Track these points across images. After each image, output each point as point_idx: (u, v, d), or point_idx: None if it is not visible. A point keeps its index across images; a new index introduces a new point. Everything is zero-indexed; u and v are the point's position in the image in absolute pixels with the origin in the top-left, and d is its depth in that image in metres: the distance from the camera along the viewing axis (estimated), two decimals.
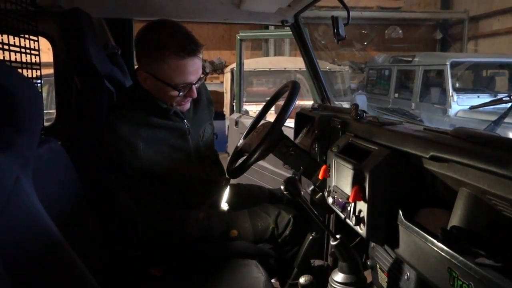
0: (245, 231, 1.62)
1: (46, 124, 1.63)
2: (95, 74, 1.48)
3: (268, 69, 6.65)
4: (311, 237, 1.60)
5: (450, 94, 5.85)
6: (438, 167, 0.95)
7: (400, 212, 1.05)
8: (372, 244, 1.46)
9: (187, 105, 1.48)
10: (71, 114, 1.54)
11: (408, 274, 1.21)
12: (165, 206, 1.45)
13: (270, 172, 2.71)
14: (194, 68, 1.36)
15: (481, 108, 5.56)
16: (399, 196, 1.09)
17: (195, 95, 1.42)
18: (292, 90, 1.55)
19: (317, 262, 1.80)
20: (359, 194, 1.13)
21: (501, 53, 8.84)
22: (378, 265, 1.42)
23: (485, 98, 5.85)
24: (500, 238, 0.84)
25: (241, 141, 1.83)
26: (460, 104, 5.77)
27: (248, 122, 3.11)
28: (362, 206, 1.14)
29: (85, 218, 1.25)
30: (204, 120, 1.62)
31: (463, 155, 0.85)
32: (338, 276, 1.29)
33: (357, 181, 1.17)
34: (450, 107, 5.81)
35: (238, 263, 1.40)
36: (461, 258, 0.82)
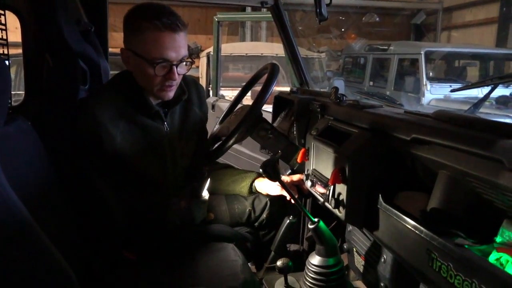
0: (221, 214, 1.61)
1: (14, 104, 1.56)
2: (68, 51, 1.41)
3: (244, 54, 6.60)
4: (288, 220, 1.60)
5: (424, 83, 5.94)
6: (419, 149, 0.94)
7: (380, 195, 1.05)
8: (349, 228, 1.47)
9: (171, 93, 1.40)
10: (41, 93, 1.47)
11: (385, 257, 1.22)
12: (144, 194, 1.41)
13: (247, 157, 2.70)
14: (173, 44, 1.30)
15: (453, 97, 5.72)
16: (379, 179, 1.09)
17: (175, 76, 1.34)
18: (271, 71, 1.53)
19: (293, 247, 1.80)
20: (338, 177, 1.12)
21: (473, 44, 9.02)
22: (354, 249, 1.43)
23: (460, 86, 5.97)
24: (478, 220, 0.85)
25: (217, 126, 1.80)
26: (433, 93, 5.87)
27: (224, 106, 3.08)
28: (342, 189, 1.14)
29: (56, 199, 1.21)
30: (191, 133, 1.55)
31: (445, 137, 0.85)
32: (315, 259, 1.29)
33: (337, 164, 1.16)
34: (424, 95, 5.91)
35: (215, 247, 1.39)
36: (440, 239, 0.82)
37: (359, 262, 1.41)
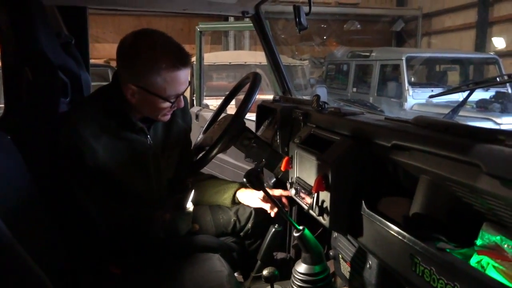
0: (206, 225, 1.60)
1: None
2: (48, 65, 1.40)
3: (228, 63, 6.61)
4: (273, 229, 1.60)
5: (406, 88, 6.03)
6: (400, 155, 0.96)
7: (363, 202, 1.06)
8: (335, 235, 1.48)
9: (169, 115, 1.42)
10: (21, 106, 1.45)
11: (370, 263, 1.23)
12: (127, 207, 1.39)
13: (231, 166, 2.69)
14: (186, 78, 1.33)
15: (435, 102, 5.80)
16: (362, 185, 1.10)
17: (182, 104, 1.38)
18: (253, 80, 1.54)
19: (279, 255, 1.80)
20: (322, 184, 1.13)
21: (453, 48, 9.20)
22: (340, 255, 1.44)
23: (438, 92, 6.07)
24: (459, 223, 0.86)
25: (201, 135, 1.80)
26: (416, 98, 5.96)
27: (208, 115, 3.07)
28: (325, 196, 1.14)
29: (38, 214, 1.19)
30: (174, 145, 1.55)
31: (424, 142, 0.86)
32: (301, 267, 1.29)
33: (320, 171, 1.17)
34: (406, 100, 5.99)
35: (200, 258, 1.38)
36: (422, 244, 0.83)
37: (345, 269, 1.41)
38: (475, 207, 0.81)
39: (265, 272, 1.28)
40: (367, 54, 7.16)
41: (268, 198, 1.28)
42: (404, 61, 6.11)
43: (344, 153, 1.10)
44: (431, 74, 7.16)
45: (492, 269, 0.73)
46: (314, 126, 1.41)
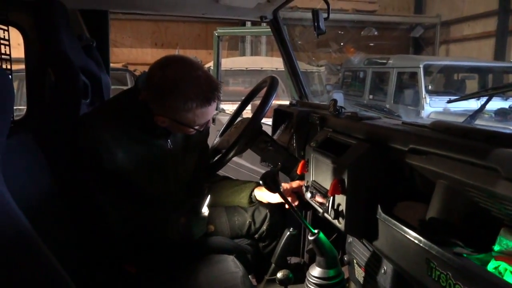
0: (221, 226, 1.61)
1: (16, 119, 1.57)
2: (70, 66, 1.43)
3: (244, 69, 6.63)
4: (288, 233, 1.60)
5: (423, 96, 5.97)
6: (417, 160, 0.95)
7: (379, 206, 1.06)
8: (349, 240, 1.47)
9: None
10: (43, 107, 1.49)
11: (385, 268, 1.22)
12: (144, 210, 1.41)
13: (247, 170, 2.70)
14: (213, 110, 1.37)
15: (452, 110, 5.74)
16: (378, 189, 1.09)
17: (210, 124, 1.44)
18: (270, 84, 1.55)
19: (293, 259, 1.80)
20: (338, 188, 1.13)
21: (471, 57, 9.09)
22: (355, 260, 1.43)
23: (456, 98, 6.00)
24: (476, 229, 0.85)
25: (218, 139, 1.82)
26: (433, 106, 5.89)
27: (225, 119, 3.09)
28: (341, 200, 1.14)
29: (57, 211, 1.21)
30: (193, 149, 1.57)
31: (441, 146, 0.86)
32: (316, 271, 1.29)
33: (336, 175, 1.17)
34: (423, 108, 5.93)
35: (215, 259, 1.39)
36: (439, 248, 0.82)
37: (360, 274, 1.41)
38: (493, 213, 0.81)
39: (279, 274, 1.28)
40: (384, 61, 7.11)
41: (284, 200, 1.28)
42: (421, 69, 6.04)
43: (360, 157, 1.10)
44: (449, 83, 7.08)
45: (510, 275, 0.72)
46: (331, 130, 1.41)
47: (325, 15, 1.62)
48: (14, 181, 0.96)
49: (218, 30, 3.30)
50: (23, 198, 0.96)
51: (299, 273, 1.59)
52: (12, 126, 1.31)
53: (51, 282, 0.89)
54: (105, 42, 1.89)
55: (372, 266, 1.30)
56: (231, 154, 1.51)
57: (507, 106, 5.26)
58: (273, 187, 1.27)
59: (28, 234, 0.86)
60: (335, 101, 1.42)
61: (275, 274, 1.60)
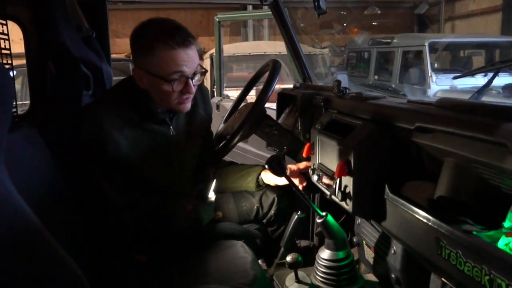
0: (229, 212, 1.61)
1: (20, 113, 1.57)
2: (70, 58, 1.42)
3: (247, 54, 6.58)
4: (296, 216, 1.60)
5: (429, 75, 5.90)
6: (423, 138, 0.94)
7: (386, 186, 1.05)
8: (358, 221, 1.47)
9: (188, 105, 1.41)
10: (46, 100, 1.48)
11: (394, 248, 1.21)
12: (150, 198, 1.41)
13: (253, 155, 2.70)
14: (187, 59, 1.31)
15: (460, 88, 5.67)
16: (385, 170, 1.08)
17: (192, 90, 1.36)
18: (273, 68, 1.54)
19: (303, 243, 1.80)
20: (344, 169, 1.12)
21: (478, 33, 8.95)
22: (364, 242, 1.43)
23: (463, 78, 5.93)
24: (485, 206, 0.84)
25: (222, 125, 1.81)
26: (439, 84, 5.83)
27: (229, 105, 3.08)
28: (348, 181, 1.14)
29: (64, 204, 1.21)
30: (196, 135, 1.56)
31: (448, 124, 0.84)
32: (325, 253, 1.29)
33: (342, 157, 1.16)
34: (429, 87, 5.87)
35: (224, 245, 1.39)
36: (448, 227, 0.81)
37: (369, 255, 1.40)
38: (502, 189, 0.80)
39: (288, 258, 1.28)
40: (389, 40, 7.03)
41: (290, 183, 1.28)
42: (427, 47, 5.97)
43: (366, 137, 1.09)
44: (455, 60, 6.98)
45: None
46: (336, 111, 1.39)
47: None
48: (20, 175, 0.96)
49: (219, 16, 3.27)
50: (30, 192, 0.97)
51: (309, 256, 1.60)
52: (16, 121, 1.32)
53: (61, 274, 0.90)
54: (104, 32, 1.87)
55: (382, 247, 1.30)
56: (236, 139, 1.50)
57: None
58: (279, 171, 1.26)
59: (35, 228, 0.86)
60: (339, 82, 1.41)
61: (285, 258, 1.61)
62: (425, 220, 0.88)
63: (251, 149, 2.78)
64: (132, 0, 1.98)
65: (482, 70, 2.12)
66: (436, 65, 6.31)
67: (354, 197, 1.11)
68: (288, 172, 1.37)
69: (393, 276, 1.23)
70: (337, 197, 1.18)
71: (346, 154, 1.13)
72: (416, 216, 0.92)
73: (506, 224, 0.76)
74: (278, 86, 1.55)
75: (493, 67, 1.76)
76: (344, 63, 8.68)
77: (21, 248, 0.83)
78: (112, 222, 1.37)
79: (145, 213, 1.39)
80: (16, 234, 0.83)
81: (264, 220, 1.67)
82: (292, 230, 1.61)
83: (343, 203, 1.17)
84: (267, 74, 1.59)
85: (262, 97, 1.48)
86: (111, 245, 1.37)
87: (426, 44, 5.99)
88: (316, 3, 1.58)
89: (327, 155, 1.30)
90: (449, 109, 0.89)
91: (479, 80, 5.88)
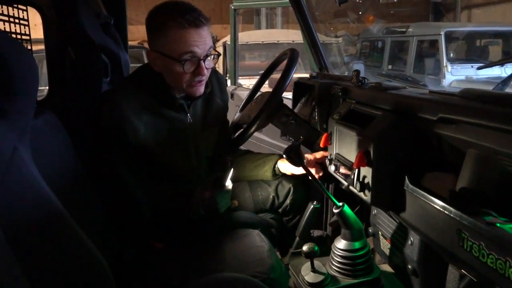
0: (245, 201, 1.62)
1: (38, 99, 1.58)
2: (90, 44, 1.42)
3: (260, 42, 6.54)
4: (312, 206, 1.60)
5: (444, 65, 5.82)
6: (446, 129, 0.93)
7: (406, 177, 1.04)
8: (374, 211, 1.46)
9: (201, 88, 1.40)
10: (65, 86, 1.49)
11: (412, 239, 1.21)
12: (168, 185, 1.42)
13: (267, 144, 2.70)
14: (198, 39, 1.30)
15: (475, 78, 5.59)
16: (404, 160, 1.08)
17: (204, 72, 1.35)
18: (291, 57, 1.52)
19: (316, 233, 1.80)
20: (363, 160, 1.11)
21: (495, 22, 8.78)
22: (380, 232, 1.43)
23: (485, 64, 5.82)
24: (509, 198, 0.83)
25: (238, 114, 1.80)
26: (454, 74, 5.75)
27: (243, 94, 3.07)
28: (367, 172, 1.13)
29: (85, 190, 1.23)
30: (213, 123, 1.56)
31: (474, 115, 0.83)
32: (341, 244, 1.29)
33: (361, 147, 1.15)
34: (444, 77, 5.79)
35: (240, 233, 1.39)
36: (470, 218, 0.81)
37: (385, 246, 1.40)
38: None
39: (305, 248, 1.28)
40: (404, 30, 6.93)
41: (308, 173, 1.27)
42: (442, 36, 5.88)
43: (386, 128, 1.08)
44: (471, 50, 6.86)
45: None
46: (354, 101, 1.38)
47: None
48: (43, 162, 0.97)
49: (234, 3, 3.24)
50: (52, 178, 0.97)
51: (323, 245, 1.60)
52: (36, 107, 1.33)
53: (84, 260, 0.91)
54: (122, 19, 1.87)
55: (398, 238, 1.30)
56: (253, 128, 1.50)
57: None
58: (296, 160, 1.26)
59: (59, 214, 0.88)
60: (357, 71, 1.40)
61: (300, 247, 1.61)
62: (446, 212, 0.88)
63: (265, 138, 2.78)
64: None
65: (507, 60, 2.06)
66: (451, 54, 6.22)
67: (373, 188, 1.11)
68: (305, 162, 1.36)
69: (409, 267, 1.23)
70: (355, 188, 1.18)
71: (365, 145, 1.13)
72: (437, 207, 0.91)
73: None
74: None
75: None
76: (358, 52, 8.59)
77: (44, 231, 0.85)
78: (130, 208, 1.38)
79: (162, 199, 1.40)
80: (39, 217, 0.84)
81: (280, 210, 1.67)
82: (307, 220, 1.61)
83: (361, 194, 1.17)
84: (283, 63, 1.58)
85: (280, 86, 1.47)
86: (129, 232, 1.39)
87: (442, 33, 5.90)
88: None
89: (345, 146, 1.29)
90: (473, 99, 0.88)
91: (495, 70, 5.80)
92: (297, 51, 1.57)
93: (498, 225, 0.77)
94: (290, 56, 1.53)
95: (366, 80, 1.39)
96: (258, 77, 1.86)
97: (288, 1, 2.00)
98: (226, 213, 1.46)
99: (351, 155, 1.24)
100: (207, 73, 1.37)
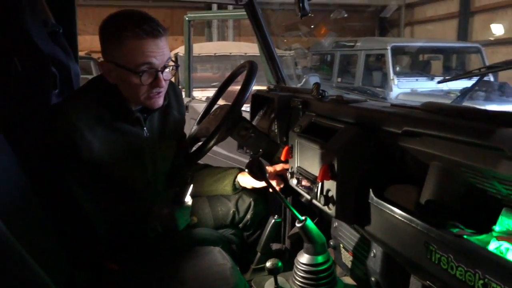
0: (205, 217, 1.57)
1: None
2: (38, 54, 1.33)
3: (213, 54, 6.53)
4: (273, 220, 1.58)
5: (391, 78, 6.06)
6: (410, 142, 0.94)
7: (371, 190, 1.04)
8: (335, 224, 1.46)
9: (159, 101, 1.34)
10: (10, 100, 1.39)
11: (374, 251, 1.21)
12: (124, 202, 1.35)
13: (224, 157, 2.66)
14: (156, 50, 1.25)
15: (419, 91, 5.86)
16: (368, 173, 1.08)
17: (162, 84, 1.29)
18: (250, 69, 1.51)
19: (275, 246, 1.78)
20: (327, 174, 1.11)
21: (435, 38, 9.29)
22: (341, 245, 1.43)
23: (423, 82, 6.15)
24: (473, 210, 0.85)
25: (195, 127, 1.77)
26: (401, 87, 5.99)
27: (198, 106, 3.03)
28: (331, 185, 1.12)
29: (34, 211, 1.14)
30: (170, 137, 1.51)
31: (438, 128, 0.84)
32: (304, 258, 1.27)
33: (324, 160, 1.14)
34: (391, 90, 6.02)
35: (201, 251, 1.34)
36: (438, 231, 0.81)
37: (347, 258, 1.40)
38: (489, 193, 0.80)
39: (268, 264, 1.26)
40: (352, 44, 7.17)
41: (270, 188, 1.25)
42: (389, 51, 6.13)
43: (350, 141, 1.08)
44: (414, 64, 7.20)
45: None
46: (314, 114, 1.38)
47: None
48: None
49: (189, 14, 3.20)
50: None
51: (282, 259, 1.58)
52: None
53: (27, 284, 0.84)
54: (72, 28, 1.78)
55: (361, 250, 1.30)
56: (212, 142, 1.46)
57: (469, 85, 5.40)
58: (259, 174, 1.24)
59: (3, 237, 0.80)
60: (318, 84, 1.40)
61: (262, 263, 1.58)
62: (413, 225, 0.88)
63: (221, 151, 2.74)
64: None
65: (470, 74, 2.17)
66: (398, 68, 6.49)
67: (337, 201, 1.10)
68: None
69: (372, 279, 1.23)
70: (319, 201, 1.17)
71: (329, 158, 1.12)
72: (404, 220, 0.91)
73: (497, 228, 0.77)
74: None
75: (480, 72, 1.81)
76: (308, 65, 8.78)
77: None
78: (82, 228, 1.30)
79: (118, 217, 1.33)
80: None
81: (240, 225, 1.64)
82: (268, 235, 1.59)
83: (325, 207, 1.16)
84: (240, 75, 1.56)
85: (240, 99, 1.44)
86: (82, 253, 1.30)
87: (389, 48, 6.16)
88: (300, 4, 1.57)
89: (307, 159, 1.28)
90: (436, 113, 0.89)
91: (438, 84, 6.12)
92: (256, 64, 1.55)
93: (465, 237, 0.78)
94: (249, 68, 1.51)
95: (326, 93, 1.39)
96: (211, 89, 1.83)
97: (245, 13, 1.99)
98: (185, 230, 1.41)
99: (314, 168, 1.23)
100: (165, 84, 1.32)
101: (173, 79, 1.44)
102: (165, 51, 1.27)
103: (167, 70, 1.30)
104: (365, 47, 6.80)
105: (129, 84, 1.27)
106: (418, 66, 7.06)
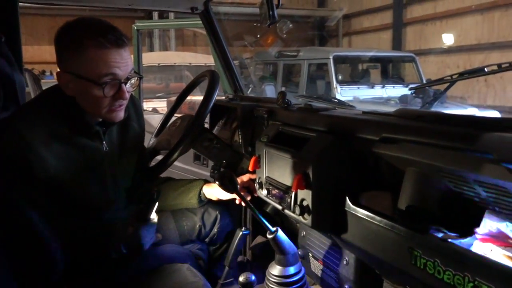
0: (170, 233, 1.51)
1: None
2: None
3: (156, 65, 6.42)
4: (241, 233, 1.54)
5: (334, 86, 6.23)
6: (386, 148, 0.94)
7: (347, 198, 1.04)
8: (303, 233, 1.45)
9: (121, 114, 1.26)
10: None
11: (347, 259, 1.21)
12: (83, 222, 1.26)
13: (179, 169, 2.58)
14: (120, 60, 1.18)
15: (362, 99, 6.08)
16: (344, 181, 1.08)
17: (126, 96, 1.23)
18: (212, 79, 1.47)
19: (238, 258, 1.75)
20: (302, 183, 1.09)
21: (372, 47, 9.70)
22: (310, 254, 1.42)
23: (364, 89, 6.39)
24: (453, 214, 0.86)
25: (153, 139, 1.70)
26: (344, 95, 6.17)
27: (150, 118, 2.94)
28: (305, 194, 1.11)
29: None
30: (131, 151, 1.43)
31: (417, 133, 0.85)
32: (276, 270, 1.25)
33: (298, 169, 1.13)
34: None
35: (169, 269, 1.28)
36: (422, 236, 0.82)
37: (317, 267, 1.39)
38: (468, 196, 0.82)
39: (241, 278, 1.22)
40: (295, 54, 7.31)
41: (241, 199, 1.22)
42: (331, 60, 6.31)
43: (325, 149, 1.07)
44: (354, 72, 7.47)
45: (497, 256, 0.73)
46: (280, 123, 1.37)
47: (276, 1, 1.59)
48: None
49: (137, 24, 3.10)
50: None
51: (243, 271, 1.55)
52: None
53: None
54: (16, 36, 1.66)
55: (332, 258, 1.29)
56: (176, 154, 1.41)
57: (409, 93, 5.68)
58: (230, 187, 1.20)
59: None
60: (283, 93, 1.39)
61: (230, 278, 1.54)
62: (395, 231, 0.89)
63: (177, 163, 2.66)
64: (49, 3, 1.76)
65: (441, 81, 2.24)
66: (340, 77, 6.69)
67: (313, 211, 1.09)
68: None
69: (346, 287, 1.22)
70: (293, 211, 1.15)
71: (303, 167, 1.11)
72: (385, 226, 0.92)
73: (480, 230, 0.79)
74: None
75: (452, 79, 1.88)
76: (251, 74, 8.83)
77: None
78: (37, 251, 1.19)
79: (77, 239, 1.23)
80: None
81: (207, 239, 1.58)
82: (236, 248, 1.54)
83: (300, 218, 1.14)
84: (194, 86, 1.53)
85: (203, 110, 1.41)
86: (37, 279, 1.20)
87: (331, 57, 6.33)
88: (270, 13, 1.56)
89: (277, 169, 1.27)
90: (413, 119, 0.91)
91: (377, 91, 6.40)
92: (217, 73, 1.53)
93: (449, 240, 0.79)
94: (211, 78, 1.48)
95: (291, 102, 1.39)
96: (156, 100, 1.78)
97: (198, 22, 1.96)
98: (150, 248, 1.34)
99: (285, 178, 1.22)
100: (128, 96, 1.25)
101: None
102: (128, 61, 1.21)
103: (131, 81, 1.24)
104: (307, 56, 6.95)
105: (90, 96, 1.19)
106: (358, 74, 7.33)
